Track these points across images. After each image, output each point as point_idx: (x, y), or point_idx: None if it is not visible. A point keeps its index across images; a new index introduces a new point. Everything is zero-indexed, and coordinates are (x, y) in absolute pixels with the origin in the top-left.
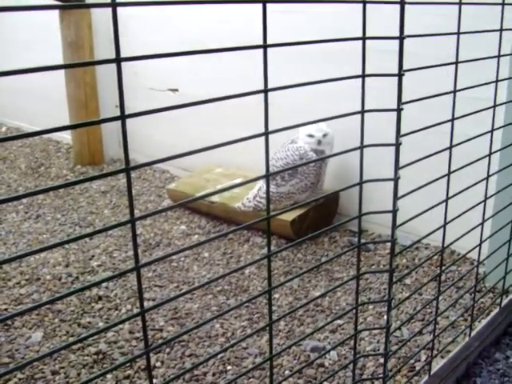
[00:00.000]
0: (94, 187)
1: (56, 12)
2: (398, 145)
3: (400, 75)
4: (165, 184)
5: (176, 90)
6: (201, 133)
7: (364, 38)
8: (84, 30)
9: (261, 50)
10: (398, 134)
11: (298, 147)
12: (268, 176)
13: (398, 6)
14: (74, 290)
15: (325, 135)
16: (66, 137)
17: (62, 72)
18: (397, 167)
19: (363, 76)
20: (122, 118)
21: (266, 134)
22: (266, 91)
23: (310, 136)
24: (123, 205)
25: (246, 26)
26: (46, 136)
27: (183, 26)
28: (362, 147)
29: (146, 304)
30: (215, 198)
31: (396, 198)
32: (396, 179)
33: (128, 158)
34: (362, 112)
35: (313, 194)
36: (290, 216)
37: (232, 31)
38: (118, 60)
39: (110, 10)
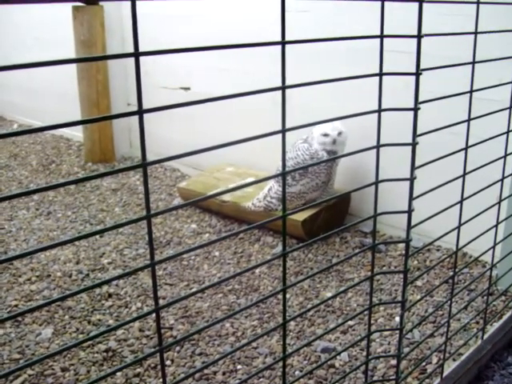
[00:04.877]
0: (105, 185)
1: (69, 10)
2: (414, 144)
3: (417, 74)
4: (175, 182)
5: (188, 88)
6: (212, 131)
7: (382, 36)
8: (97, 28)
9: (273, 49)
10: (415, 134)
11: (308, 147)
12: (284, 174)
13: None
14: (85, 288)
15: (340, 134)
16: (77, 134)
17: (74, 70)
18: (413, 167)
19: (380, 74)
20: (140, 113)
21: (283, 131)
22: (283, 88)
23: (325, 135)
24: (134, 203)
25: (256, 25)
26: (57, 133)
27: (192, 26)
28: (378, 146)
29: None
30: (226, 197)
31: (412, 198)
32: (412, 179)
33: (145, 154)
34: (379, 111)
35: (324, 193)
36: (301, 216)
37: (242, 30)
38: (137, 54)
39: (121, 8)
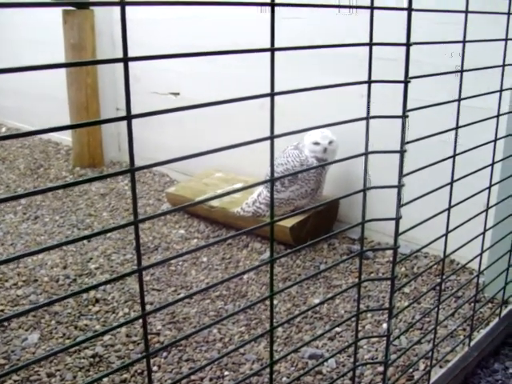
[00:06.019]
0: (93, 189)
1: (59, 13)
2: (402, 152)
3: (406, 82)
4: (164, 188)
5: (177, 93)
6: (201, 136)
7: (371, 44)
8: (87, 32)
9: (263, 54)
10: (403, 141)
11: (298, 153)
12: (273, 180)
13: (399, 15)
14: (72, 293)
15: (330, 142)
16: (66, 138)
17: (63, 74)
18: (401, 174)
19: (369, 82)
20: (128, 118)
21: (272, 137)
22: (272, 95)
23: (316, 144)
24: (122, 208)
25: (245, 30)
26: (45, 137)
27: (182, 31)
28: (366, 153)
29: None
30: (215, 203)
31: (399, 205)
32: (400, 186)
33: (133, 159)
34: (367, 118)
35: (312, 200)
36: (289, 222)
37: (230, 36)
38: (126, 59)
39: (112, 12)
